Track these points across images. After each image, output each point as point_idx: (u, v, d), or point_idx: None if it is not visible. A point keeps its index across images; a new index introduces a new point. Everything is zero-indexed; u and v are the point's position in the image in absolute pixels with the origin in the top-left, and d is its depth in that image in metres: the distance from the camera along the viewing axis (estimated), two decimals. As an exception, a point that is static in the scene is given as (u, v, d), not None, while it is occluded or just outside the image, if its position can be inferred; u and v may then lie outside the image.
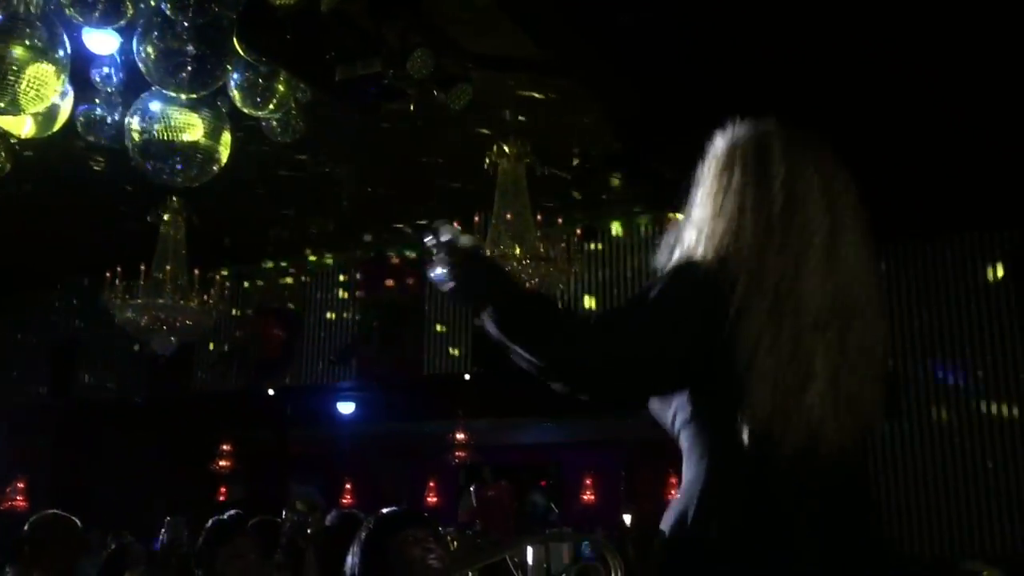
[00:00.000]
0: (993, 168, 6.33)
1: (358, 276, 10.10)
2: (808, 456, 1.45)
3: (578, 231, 6.80)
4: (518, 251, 6.44)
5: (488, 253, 6.47)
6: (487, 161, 6.43)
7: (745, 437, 1.45)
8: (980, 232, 7.49)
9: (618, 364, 1.57)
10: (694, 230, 1.63)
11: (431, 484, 14.23)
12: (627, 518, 13.08)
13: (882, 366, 1.58)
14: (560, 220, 6.95)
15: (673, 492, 13.53)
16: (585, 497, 14.12)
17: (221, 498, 12.67)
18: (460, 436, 12.19)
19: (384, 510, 2.38)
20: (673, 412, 1.64)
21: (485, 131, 6.51)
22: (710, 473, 1.51)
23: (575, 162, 7.43)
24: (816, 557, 1.43)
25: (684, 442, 1.61)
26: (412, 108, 5.71)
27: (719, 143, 1.71)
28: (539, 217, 6.56)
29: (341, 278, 10.18)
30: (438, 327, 9.64)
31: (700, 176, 1.70)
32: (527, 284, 6.54)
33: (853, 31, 4.80)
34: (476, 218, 6.43)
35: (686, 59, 5.02)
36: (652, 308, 1.55)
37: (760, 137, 1.67)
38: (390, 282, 9.76)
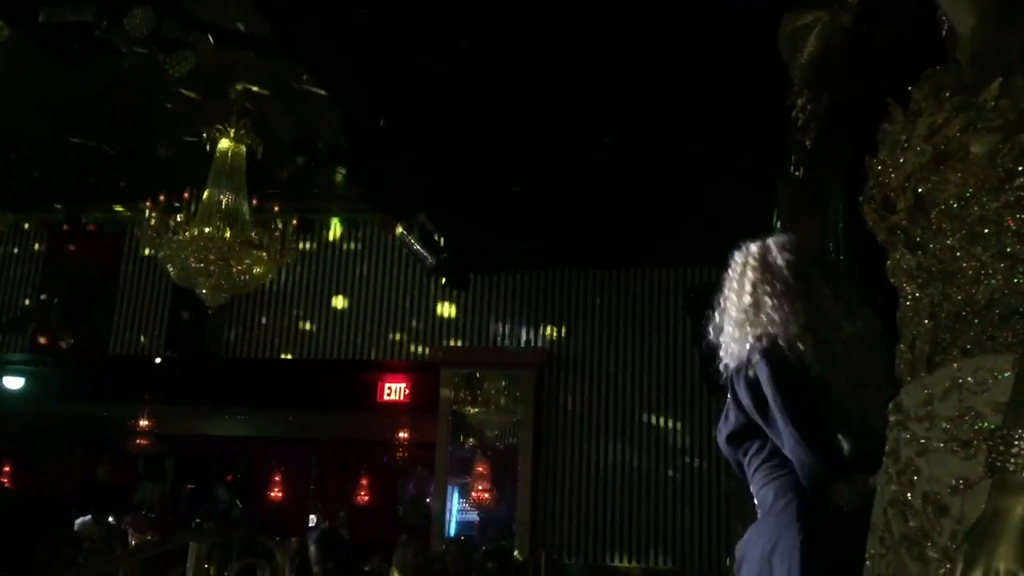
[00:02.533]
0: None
1: (45, 240, 9.24)
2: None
3: (294, 222, 6.62)
4: (228, 234, 6.18)
5: (195, 233, 6.15)
6: (204, 136, 6.12)
7: None
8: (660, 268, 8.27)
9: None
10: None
11: (105, 471, 13.19)
12: (313, 518, 12.92)
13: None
14: (276, 208, 6.75)
15: (362, 493, 13.49)
16: (273, 494, 13.76)
17: None
18: (144, 423, 11.45)
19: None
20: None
21: (207, 105, 6.19)
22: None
23: (299, 155, 7.27)
24: None
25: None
26: (127, 68, 5.33)
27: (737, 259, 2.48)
28: (254, 202, 6.33)
29: (25, 241, 9.26)
30: (130, 305, 9.03)
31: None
32: (234, 271, 6.30)
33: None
34: (185, 194, 6.09)
35: (420, 67, 5.06)
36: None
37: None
38: (81, 251, 9.01)
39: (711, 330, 2.46)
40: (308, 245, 8.84)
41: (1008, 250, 1.19)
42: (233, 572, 1.81)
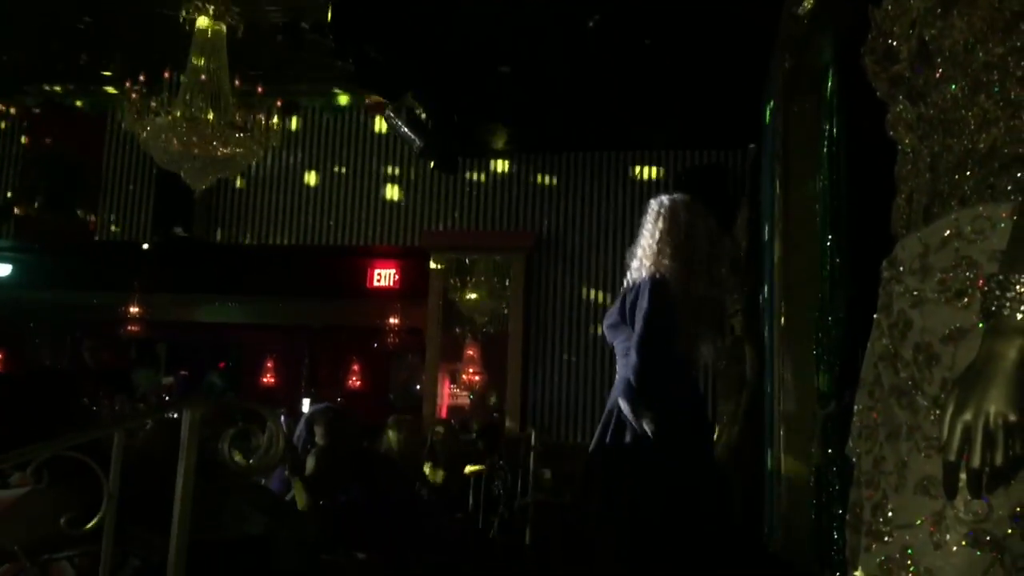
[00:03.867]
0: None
1: (24, 125, 9.06)
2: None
3: (278, 103, 6.48)
4: (211, 116, 6.05)
5: (177, 114, 6.03)
6: (183, 14, 5.92)
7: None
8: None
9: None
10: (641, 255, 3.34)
11: (95, 358, 13.29)
12: (306, 402, 13.11)
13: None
14: (260, 90, 6.60)
15: (354, 379, 13.68)
16: (265, 380, 13.93)
17: None
18: (134, 310, 11.47)
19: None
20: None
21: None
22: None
23: (282, 35, 7.07)
24: None
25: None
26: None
27: (653, 206, 3.39)
28: (237, 83, 6.18)
29: (2, 124, 9.07)
30: (115, 191, 8.92)
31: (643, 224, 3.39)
32: (219, 153, 6.20)
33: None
34: (166, 74, 5.93)
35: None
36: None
37: (674, 203, 3.35)
38: (62, 136, 8.84)
39: (628, 254, 3.45)
40: (294, 128, 8.69)
41: (1012, 96, 1.15)
42: (227, 438, 1.81)
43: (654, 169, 8.33)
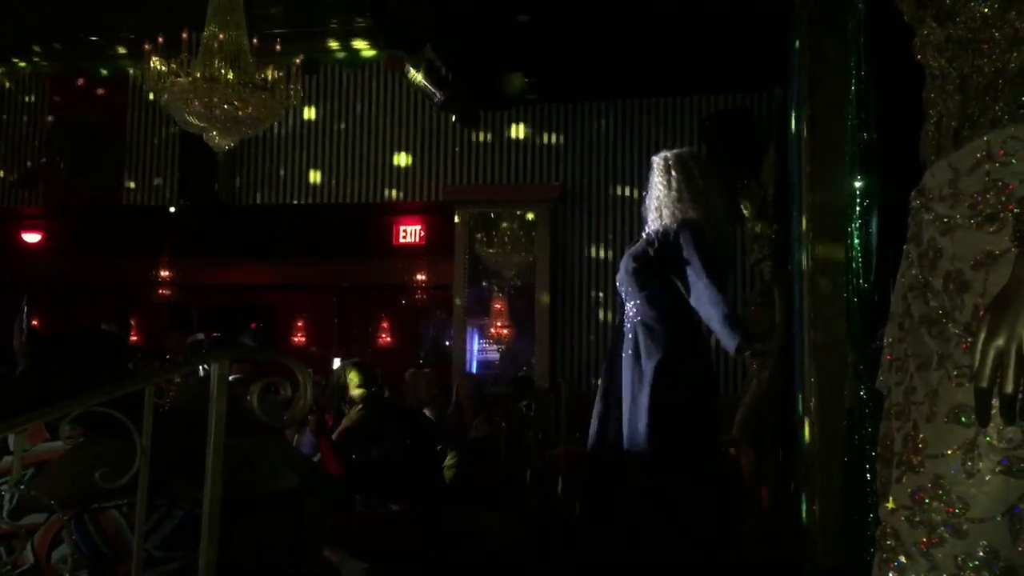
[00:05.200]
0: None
1: (47, 92, 9.09)
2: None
3: (297, 61, 6.44)
4: (231, 76, 6.04)
5: (198, 76, 6.01)
6: (199, -27, 5.89)
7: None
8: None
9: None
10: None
11: (133, 322, 13.46)
12: (336, 361, 13.21)
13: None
14: (279, 48, 6.57)
15: (384, 336, 13.74)
16: (296, 339, 14.05)
17: None
18: (164, 273, 11.57)
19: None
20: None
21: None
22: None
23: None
24: None
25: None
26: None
27: (659, 161, 3.55)
28: (255, 42, 6.15)
29: (27, 94, 9.11)
30: (140, 156, 8.96)
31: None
32: (240, 113, 6.19)
33: None
34: (184, 35, 5.91)
35: None
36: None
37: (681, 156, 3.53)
38: (85, 102, 8.86)
39: (643, 210, 3.56)
40: (314, 87, 8.66)
41: None
42: (256, 391, 1.83)
43: (679, 115, 8.23)
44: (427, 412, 5.33)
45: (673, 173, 3.43)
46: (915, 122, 1.36)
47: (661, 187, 3.47)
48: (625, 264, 3.49)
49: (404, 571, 3.52)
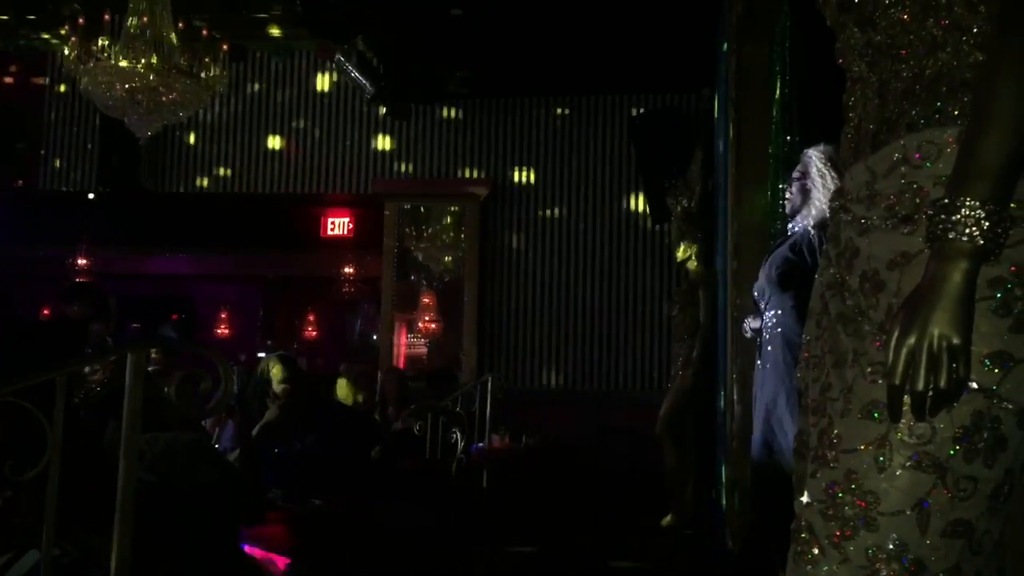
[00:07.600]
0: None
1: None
2: None
3: (224, 47, 6.31)
4: (155, 60, 5.88)
5: (119, 59, 5.84)
6: (123, -47, 5.73)
7: None
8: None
9: None
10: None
11: (45, 312, 13.04)
12: (261, 355, 13.00)
13: None
14: (205, 33, 6.42)
15: (310, 329, 13.55)
16: (220, 331, 13.78)
17: None
18: (82, 261, 11.22)
19: None
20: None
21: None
22: None
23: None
24: None
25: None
26: None
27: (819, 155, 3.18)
28: (180, 26, 6.01)
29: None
30: (58, 140, 8.68)
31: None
32: (163, 99, 6.04)
33: None
34: (106, 17, 5.74)
35: None
36: None
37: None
38: (1, 81, 8.55)
39: (787, 205, 3.31)
40: (241, 74, 8.50)
41: (960, 20, 1.15)
42: (174, 383, 1.78)
43: (609, 114, 8.29)
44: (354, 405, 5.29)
45: (832, 173, 3.07)
46: (837, 126, 1.39)
47: (820, 185, 3.12)
48: (767, 271, 3.21)
49: (326, 567, 3.48)
